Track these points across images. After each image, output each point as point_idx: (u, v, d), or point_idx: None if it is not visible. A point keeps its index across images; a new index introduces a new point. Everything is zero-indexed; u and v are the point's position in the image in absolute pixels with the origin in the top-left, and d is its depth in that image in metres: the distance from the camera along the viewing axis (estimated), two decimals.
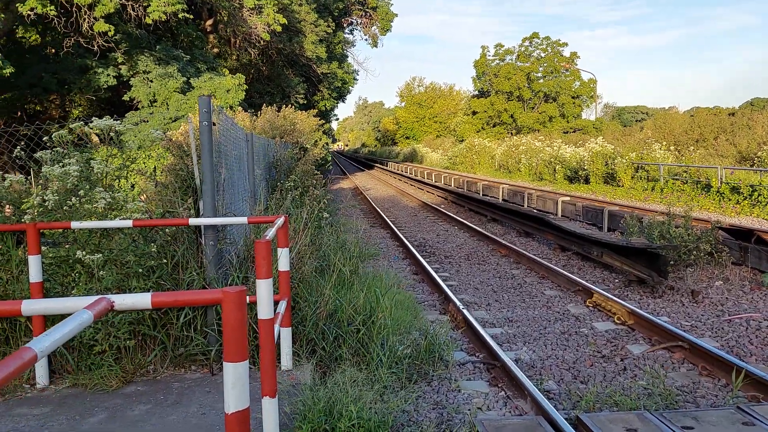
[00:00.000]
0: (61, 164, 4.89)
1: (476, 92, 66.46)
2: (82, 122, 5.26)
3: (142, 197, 6.21)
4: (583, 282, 8.67)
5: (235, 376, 2.22)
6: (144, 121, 22.09)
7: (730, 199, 18.08)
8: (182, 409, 4.15)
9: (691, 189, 20.25)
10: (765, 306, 7.52)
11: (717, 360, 5.54)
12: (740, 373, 5.08)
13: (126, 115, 21.63)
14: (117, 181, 5.50)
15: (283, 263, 4.77)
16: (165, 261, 5.11)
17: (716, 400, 4.99)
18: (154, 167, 17.25)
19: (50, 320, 4.54)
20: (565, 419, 4.32)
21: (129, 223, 4.70)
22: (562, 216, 17.07)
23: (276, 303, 4.20)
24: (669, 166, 23.16)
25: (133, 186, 6.22)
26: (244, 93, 25.07)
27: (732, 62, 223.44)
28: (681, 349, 6.04)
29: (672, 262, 8.98)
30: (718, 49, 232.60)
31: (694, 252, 9.23)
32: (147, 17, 20.54)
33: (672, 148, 26.39)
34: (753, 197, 17.19)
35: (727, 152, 27.13)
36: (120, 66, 22.86)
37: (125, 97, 22.95)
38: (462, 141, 52.72)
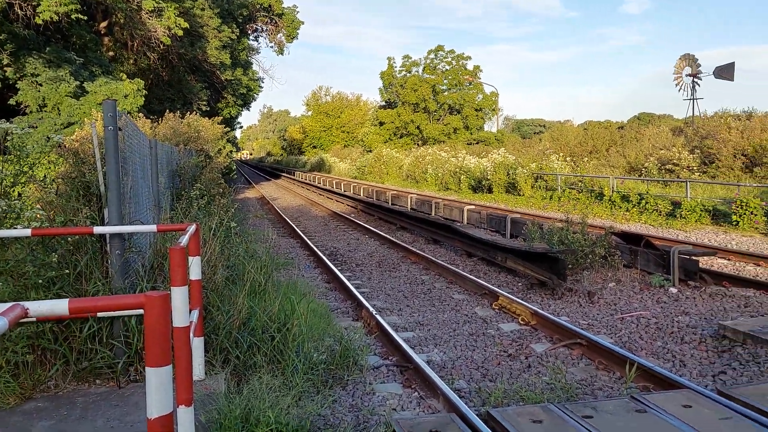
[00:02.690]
0: None
1: (383, 103, 67.34)
2: None
3: (38, 205, 5.90)
4: (489, 286, 9.00)
5: (158, 381, 2.18)
6: (32, 126, 20.86)
7: (620, 207, 19.27)
8: (88, 424, 3.99)
9: (586, 197, 21.41)
10: (653, 304, 8.09)
11: (612, 355, 5.93)
12: (633, 366, 5.45)
13: (12, 120, 20.38)
14: (12, 188, 5.21)
15: (195, 272, 4.68)
16: (67, 271, 4.89)
17: (612, 392, 5.33)
18: (45, 175, 16.36)
19: None
20: (476, 415, 4.48)
21: (27, 232, 4.46)
22: (468, 223, 17.59)
23: (188, 312, 4.12)
24: (566, 176, 24.41)
25: (20, 195, 5.89)
26: (144, 99, 24.23)
27: (621, 79, 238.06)
28: (580, 346, 6.40)
29: (570, 266, 9.49)
30: (609, 66, 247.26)
31: (590, 256, 9.80)
32: (37, 17, 19.51)
33: (568, 159, 27.83)
34: (641, 205, 18.41)
35: (617, 163, 28.90)
36: (5, 68, 21.50)
37: (11, 101, 21.60)
38: (370, 151, 53.23)
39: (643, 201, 18.42)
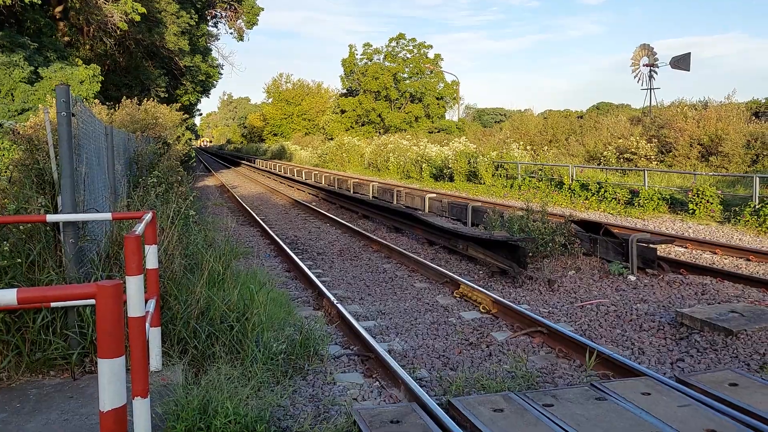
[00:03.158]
0: None
1: (345, 91, 67.00)
2: None
3: None
4: (451, 274, 9.05)
5: (111, 372, 2.12)
6: None
7: (580, 195, 19.57)
8: (42, 417, 3.88)
9: (546, 186, 21.68)
10: (612, 292, 8.23)
11: (572, 343, 6.00)
12: (593, 354, 5.54)
13: None
14: None
15: (152, 261, 4.59)
16: (19, 260, 4.74)
17: (572, 379, 5.40)
18: None
19: None
20: (437, 404, 4.50)
21: None
22: (429, 212, 17.66)
23: (144, 302, 4.04)
24: (526, 165, 24.66)
25: None
26: (100, 85, 23.64)
27: (580, 68, 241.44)
28: (540, 334, 6.48)
29: (530, 254, 9.60)
30: (568, 55, 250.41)
31: (550, 244, 9.93)
32: None
33: (528, 147, 28.11)
34: (600, 193, 18.73)
35: (577, 152, 29.31)
36: None
37: None
38: (331, 139, 53.02)
39: (602, 190, 18.75)
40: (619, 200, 17.83)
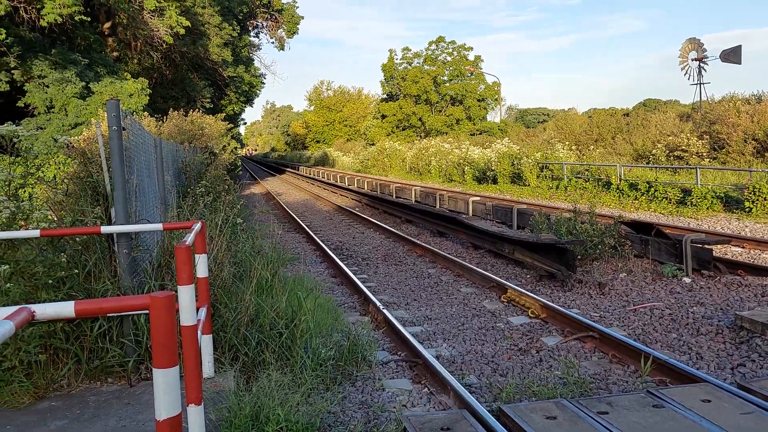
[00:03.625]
0: None
1: (385, 96, 67.19)
2: None
3: (47, 206, 5.89)
4: (497, 278, 8.95)
5: (165, 382, 2.16)
6: (41, 128, 20.95)
7: (629, 195, 19.14)
8: (101, 423, 3.98)
9: (593, 186, 21.28)
10: (666, 295, 8.01)
11: (626, 348, 5.85)
12: (648, 359, 5.38)
13: (21, 122, 20.43)
14: (22, 189, 5.20)
15: (202, 269, 4.66)
16: (76, 271, 4.87)
17: (627, 386, 5.27)
18: (54, 175, 16.40)
19: None
20: (488, 411, 4.45)
21: (36, 233, 4.44)
22: (473, 215, 17.53)
23: (196, 310, 4.10)
24: (572, 165, 24.25)
25: (31, 196, 5.88)
26: (148, 97, 24.23)
27: (624, 65, 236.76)
28: (592, 339, 6.34)
29: (579, 257, 9.43)
30: (610, 52, 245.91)
31: (599, 246, 9.73)
32: (41, 20, 19.51)
33: (573, 147, 27.61)
34: (650, 193, 18.28)
35: (624, 151, 28.68)
36: (12, 71, 21.53)
37: (19, 103, 21.65)
38: (372, 144, 53.18)
39: (652, 189, 18.30)
40: (670, 200, 17.37)
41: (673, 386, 4.93)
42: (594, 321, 6.89)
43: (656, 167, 22.03)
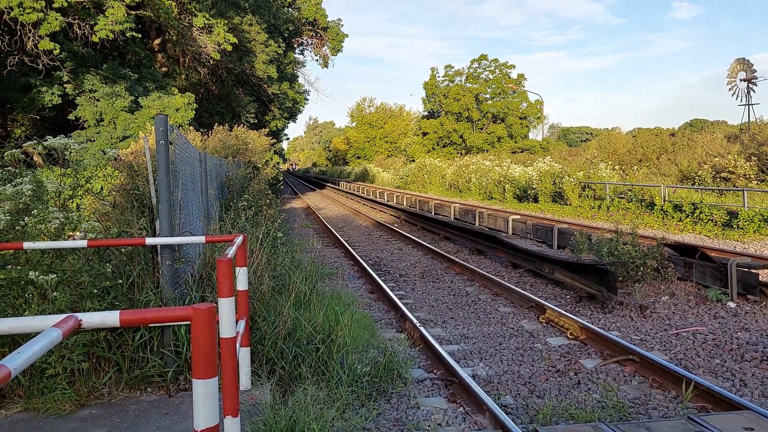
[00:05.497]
0: (13, 183, 4.76)
1: (426, 113, 67.33)
2: (35, 141, 5.13)
3: (94, 217, 6.08)
4: (536, 298, 8.85)
5: (205, 393, 2.21)
6: (90, 140, 21.63)
7: (673, 217, 18.72)
8: None
9: (636, 207, 20.89)
10: (710, 319, 7.81)
11: (667, 372, 5.72)
12: (690, 384, 5.25)
13: (71, 134, 21.12)
14: (71, 200, 5.38)
15: (242, 282, 4.74)
16: (120, 281, 5.01)
17: (667, 411, 5.15)
18: (102, 187, 16.89)
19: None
20: None
21: (84, 243, 4.59)
22: (513, 234, 17.38)
23: (235, 322, 4.17)
24: (614, 185, 23.86)
25: (78, 206, 6.08)
26: (194, 112, 24.83)
27: (669, 85, 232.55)
28: (632, 362, 6.21)
29: (620, 278, 9.26)
30: (655, 72, 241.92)
31: (642, 268, 9.54)
32: (94, 36, 20.22)
33: (617, 167, 27.17)
34: (695, 215, 17.85)
35: (669, 171, 28.11)
36: (65, 85, 22.35)
37: (71, 116, 22.44)
38: (413, 161, 53.24)
39: (697, 211, 17.87)
40: (715, 222, 16.93)
41: (715, 413, 4.79)
42: (634, 344, 6.75)
43: (702, 189, 21.51)
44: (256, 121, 36.73)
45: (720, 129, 39.39)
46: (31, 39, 18.97)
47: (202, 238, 5.32)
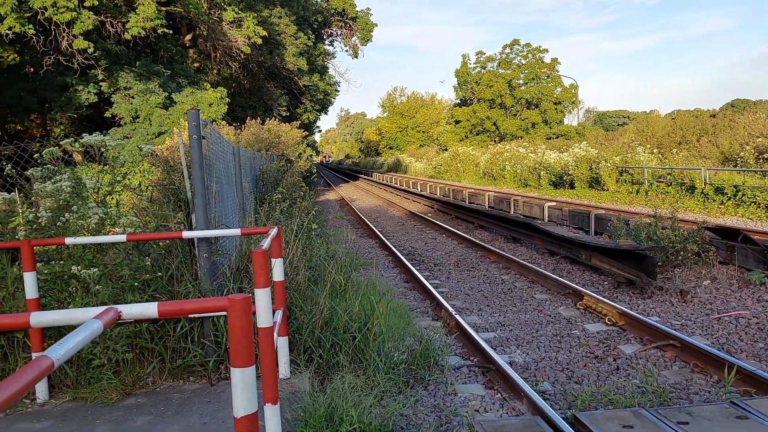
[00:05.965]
0: (52, 181, 4.89)
1: (458, 101, 66.86)
2: (72, 138, 5.26)
3: (133, 211, 6.21)
4: (573, 285, 8.76)
5: (243, 381, 2.25)
6: (127, 137, 22.02)
7: (714, 200, 18.30)
8: (183, 420, 4.16)
9: (676, 191, 20.49)
10: (753, 303, 7.64)
11: (709, 357, 5.62)
12: (732, 369, 5.16)
13: (108, 131, 21.55)
14: (109, 196, 5.51)
15: (278, 273, 4.79)
16: (160, 274, 5.12)
17: (709, 396, 5.06)
18: (140, 183, 17.22)
19: (46, 336, 4.55)
20: (562, 418, 4.37)
21: (123, 237, 4.70)
22: (548, 221, 17.21)
23: (272, 312, 4.23)
24: (653, 169, 23.41)
25: (118, 202, 6.23)
26: (227, 106, 25.07)
27: (709, 65, 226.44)
28: (672, 347, 6.12)
29: (660, 263, 9.10)
30: (694, 52, 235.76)
31: (682, 252, 9.36)
32: (126, 33, 20.52)
33: (655, 151, 26.65)
34: (737, 197, 17.42)
35: (709, 153, 27.45)
36: (100, 83, 22.77)
37: (107, 114, 22.87)
38: (445, 150, 52.98)
39: (740, 193, 17.43)
40: (759, 204, 16.49)
41: (759, 397, 4.70)
42: (675, 329, 6.64)
43: (744, 170, 20.95)
44: (288, 114, 36.92)
45: (763, 108, 38.20)
46: (65, 38, 19.34)
47: (237, 231, 5.39)
